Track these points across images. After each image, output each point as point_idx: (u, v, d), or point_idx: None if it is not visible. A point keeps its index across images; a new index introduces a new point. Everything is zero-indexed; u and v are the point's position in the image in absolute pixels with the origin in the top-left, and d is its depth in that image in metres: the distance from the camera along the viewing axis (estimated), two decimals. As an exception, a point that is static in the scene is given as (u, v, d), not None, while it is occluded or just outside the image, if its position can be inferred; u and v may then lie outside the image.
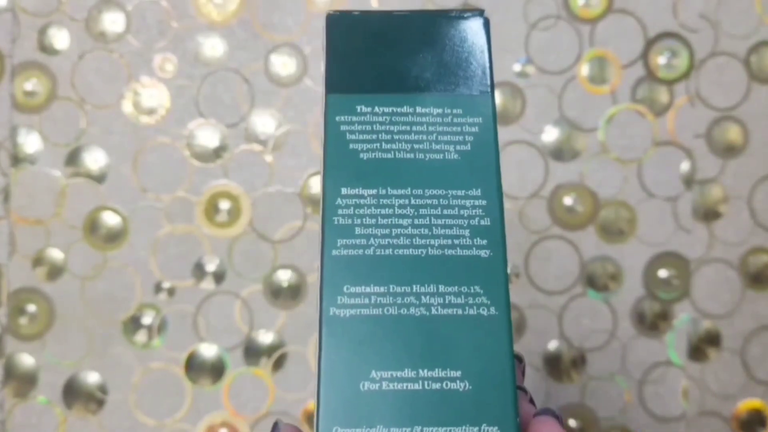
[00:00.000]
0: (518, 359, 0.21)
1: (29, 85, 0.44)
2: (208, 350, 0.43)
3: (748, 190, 0.44)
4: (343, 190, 0.20)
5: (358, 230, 0.20)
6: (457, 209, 0.21)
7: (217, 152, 0.44)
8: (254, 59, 0.44)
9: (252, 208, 0.44)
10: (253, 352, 0.43)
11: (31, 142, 0.43)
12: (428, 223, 0.20)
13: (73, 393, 0.42)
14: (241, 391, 0.43)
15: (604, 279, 0.44)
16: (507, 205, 0.44)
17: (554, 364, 0.43)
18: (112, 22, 0.44)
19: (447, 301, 0.20)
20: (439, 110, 0.22)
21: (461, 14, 0.23)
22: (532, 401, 0.20)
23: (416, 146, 0.21)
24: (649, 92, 0.45)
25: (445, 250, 0.20)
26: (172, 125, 0.44)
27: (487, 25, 0.23)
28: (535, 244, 0.44)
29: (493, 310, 0.20)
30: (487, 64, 0.23)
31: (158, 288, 0.43)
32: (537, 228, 0.44)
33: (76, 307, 0.43)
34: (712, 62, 0.45)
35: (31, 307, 0.43)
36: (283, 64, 0.44)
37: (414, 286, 0.20)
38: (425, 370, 0.19)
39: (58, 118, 0.44)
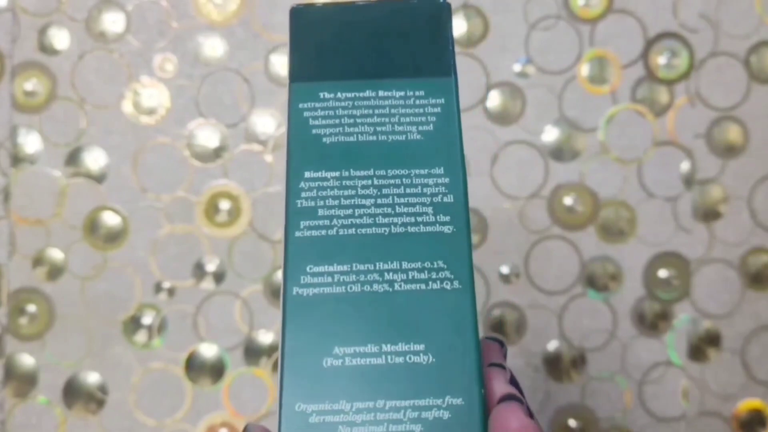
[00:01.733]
0: (499, 342, 0.21)
1: (29, 85, 0.44)
2: (208, 350, 0.43)
3: (748, 190, 0.44)
4: (306, 174, 0.21)
5: (321, 212, 0.20)
6: (420, 187, 0.21)
7: (217, 152, 0.44)
8: (254, 59, 0.44)
9: (252, 208, 0.44)
10: (253, 352, 0.43)
11: (31, 142, 0.43)
12: (391, 202, 0.21)
13: (74, 393, 0.42)
14: (241, 391, 0.43)
15: (604, 279, 0.44)
16: (507, 205, 0.44)
17: (554, 364, 0.43)
18: (112, 22, 0.44)
19: (410, 277, 0.20)
20: (401, 93, 0.22)
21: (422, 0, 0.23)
22: (513, 381, 0.20)
23: (379, 128, 0.21)
24: (649, 92, 0.45)
25: (408, 227, 0.20)
26: (172, 125, 0.44)
27: (448, 9, 0.23)
28: (535, 244, 0.44)
29: (456, 284, 0.20)
30: (449, 48, 0.23)
31: (158, 288, 0.43)
32: (537, 228, 0.44)
33: (76, 307, 0.43)
34: (712, 62, 0.45)
35: (31, 307, 0.43)
36: (283, 64, 0.44)
37: (377, 264, 0.20)
38: (388, 345, 0.19)
39: (58, 118, 0.44)
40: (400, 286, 0.20)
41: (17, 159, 0.43)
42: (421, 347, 0.19)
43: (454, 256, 0.20)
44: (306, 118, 0.21)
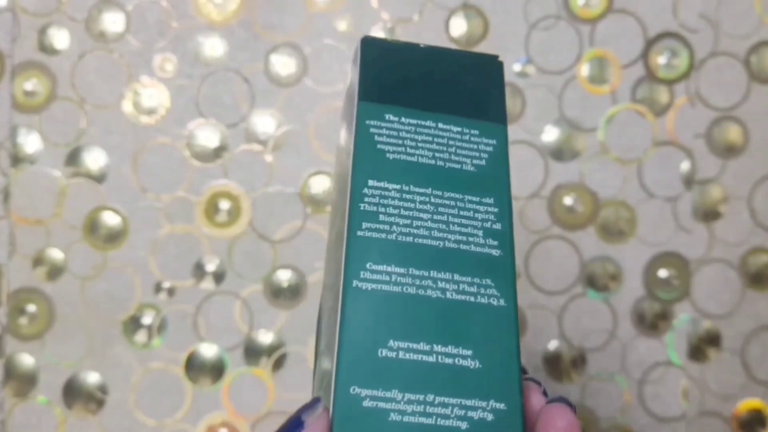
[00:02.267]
0: (536, 382, 0.22)
1: (29, 85, 0.44)
2: (208, 350, 0.43)
3: (748, 190, 0.44)
4: (370, 182, 0.22)
5: (382, 217, 0.22)
6: (472, 212, 0.23)
7: (217, 152, 0.44)
8: (254, 59, 0.44)
9: (252, 208, 0.44)
10: (253, 352, 0.43)
11: (31, 142, 0.43)
12: (446, 219, 0.22)
13: (73, 393, 0.42)
14: (241, 391, 0.43)
15: (604, 279, 0.44)
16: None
17: (554, 364, 0.43)
18: (112, 22, 0.44)
19: (461, 288, 0.21)
20: (459, 129, 0.24)
21: (480, 55, 0.26)
22: (545, 393, 0.21)
23: (437, 155, 0.23)
24: (649, 92, 0.45)
25: (461, 245, 0.22)
26: (172, 125, 0.44)
27: (502, 66, 0.26)
28: (535, 244, 0.44)
29: (502, 301, 0.22)
30: (503, 98, 0.25)
31: (158, 288, 0.43)
32: (537, 228, 0.44)
33: (76, 307, 0.43)
34: (712, 62, 0.45)
35: (31, 307, 0.43)
36: (283, 65, 0.44)
37: (431, 272, 0.21)
38: (439, 346, 0.20)
39: (58, 118, 0.44)
40: (452, 295, 0.21)
41: (17, 159, 0.43)
42: (469, 352, 0.21)
43: (500, 277, 0.22)
44: (372, 133, 0.23)
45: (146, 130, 0.44)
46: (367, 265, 0.21)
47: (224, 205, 0.43)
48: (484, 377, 0.20)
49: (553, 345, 0.43)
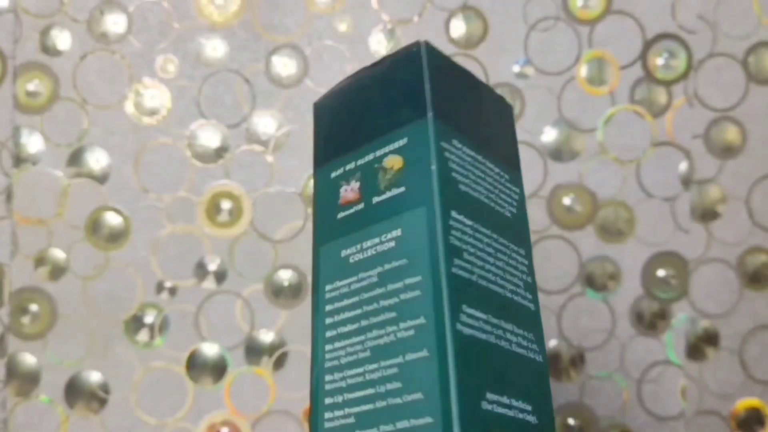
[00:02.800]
0: None
1: (31, 86, 0.44)
2: (210, 349, 0.43)
3: (746, 190, 0.44)
4: (453, 213, 0.21)
5: (465, 255, 0.20)
6: (516, 262, 0.22)
7: (219, 153, 0.44)
8: (255, 60, 0.44)
9: (253, 208, 0.44)
10: (254, 352, 0.43)
11: (33, 143, 0.44)
12: (503, 266, 0.22)
13: (75, 392, 0.42)
14: (242, 390, 0.43)
15: (602, 279, 0.44)
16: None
17: (553, 363, 0.44)
18: (114, 23, 0.44)
19: (518, 341, 0.21)
20: (498, 170, 0.23)
21: (498, 95, 0.25)
22: None
23: (490, 195, 0.22)
24: (648, 93, 0.45)
25: (514, 296, 0.22)
26: (174, 126, 0.44)
27: (512, 111, 0.25)
28: (534, 243, 0.44)
29: (540, 357, 0.22)
30: (516, 145, 0.25)
31: (160, 288, 0.43)
32: (536, 228, 0.44)
33: (78, 307, 0.43)
34: (710, 63, 0.45)
35: (34, 307, 0.43)
36: (284, 65, 0.44)
37: (501, 321, 0.21)
38: (512, 400, 0.20)
39: (60, 119, 0.44)
40: (516, 348, 0.21)
41: (19, 159, 0.44)
42: (529, 408, 0.21)
43: (537, 332, 0.22)
44: (447, 157, 0.21)
45: (148, 130, 0.44)
46: (463, 308, 0.20)
47: (225, 205, 0.44)
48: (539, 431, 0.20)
49: (552, 344, 0.44)
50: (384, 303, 0.21)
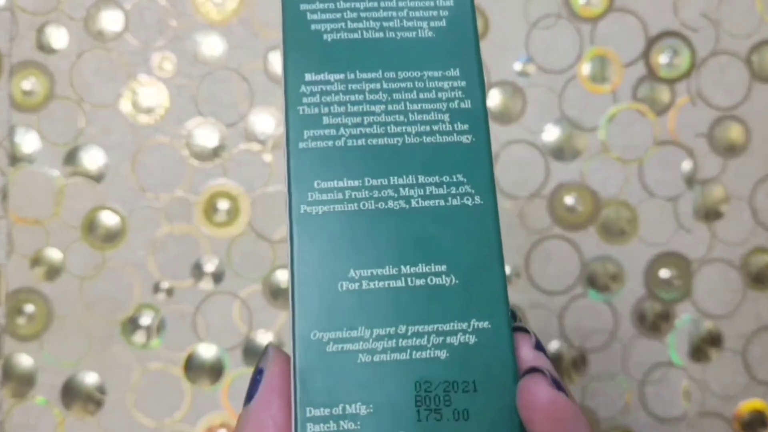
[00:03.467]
0: (525, 331, 0.19)
1: (27, 84, 0.44)
2: (207, 350, 0.43)
3: (749, 189, 0.44)
4: (307, 76, 0.19)
5: (326, 120, 0.18)
6: (434, 92, 0.19)
7: (216, 152, 0.44)
8: (253, 58, 0.44)
9: (251, 207, 0.43)
10: (252, 353, 0.43)
11: (29, 142, 0.43)
12: (403, 108, 0.19)
13: (72, 393, 0.42)
14: (241, 392, 0.42)
15: (604, 279, 0.44)
16: (507, 204, 0.44)
17: (555, 365, 0.43)
18: (111, 21, 0.44)
19: (428, 192, 0.18)
20: None
21: None
22: (539, 347, 0.19)
23: (385, 24, 0.19)
24: (650, 91, 0.44)
25: (424, 137, 0.18)
26: (171, 124, 0.44)
27: None
28: (535, 244, 0.44)
29: (477, 199, 0.18)
30: None
31: (157, 288, 0.43)
32: (537, 228, 0.44)
33: (75, 308, 0.43)
34: (713, 61, 0.45)
35: (30, 308, 0.42)
36: (283, 63, 0.44)
37: (391, 178, 0.18)
38: (408, 267, 0.18)
39: (57, 118, 0.43)
40: (417, 202, 0.18)
41: (15, 158, 0.43)
42: (443, 268, 0.18)
43: (474, 168, 0.18)
44: (303, 11, 0.19)
45: (145, 129, 0.44)
46: (315, 184, 0.18)
47: (223, 204, 0.43)
48: (462, 294, 0.18)
49: (553, 345, 0.43)
50: None
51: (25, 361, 0.42)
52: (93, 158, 0.43)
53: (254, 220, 0.43)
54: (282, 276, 0.43)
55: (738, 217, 0.44)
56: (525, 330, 0.18)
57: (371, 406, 0.17)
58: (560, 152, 0.44)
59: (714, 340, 0.43)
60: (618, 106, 0.44)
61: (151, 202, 0.43)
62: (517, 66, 0.44)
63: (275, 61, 0.44)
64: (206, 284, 0.43)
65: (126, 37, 0.44)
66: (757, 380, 0.43)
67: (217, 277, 0.43)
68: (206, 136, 0.44)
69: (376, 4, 0.19)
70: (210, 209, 0.43)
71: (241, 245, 0.43)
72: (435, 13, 0.19)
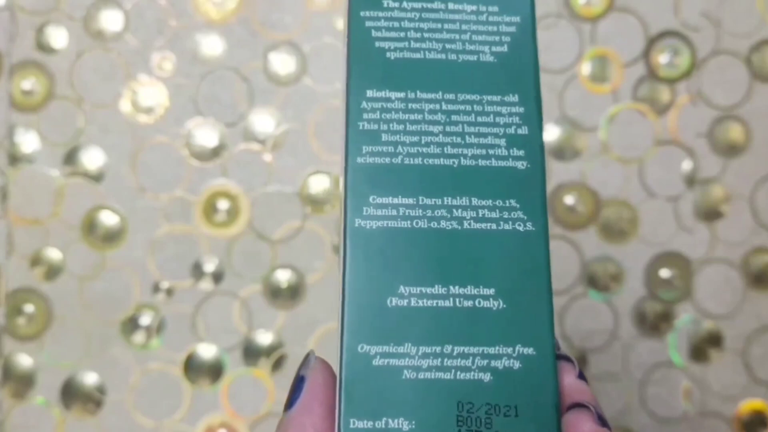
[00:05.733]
0: (569, 360, 0.19)
1: (27, 84, 0.44)
2: (207, 351, 0.43)
3: (750, 189, 0.44)
4: (369, 93, 0.19)
5: (384, 137, 0.19)
6: (492, 116, 0.19)
7: (216, 151, 0.44)
8: (253, 58, 0.44)
9: (251, 207, 0.43)
10: (252, 353, 0.43)
11: (28, 142, 0.43)
12: (461, 130, 0.19)
13: (72, 394, 0.42)
14: (240, 392, 0.42)
15: (605, 279, 0.43)
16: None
17: (555, 365, 0.43)
18: (111, 20, 0.44)
19: (480, 215, 0.18)
20: (473, 7, 0.20)
21: None
22: (582, 376, 0.19)
23: (448, 46, 0.19)
24: (651, 91, 0.44)
25: (479, 160, 0.19)
26: (171, 124, 0.44)
27: None
28: (535, 244, 0.43)
29: (530, 225, 0.18)
30: None
31: (156, 288, 0.43)
32: (537, 228, 0.44)
33: (74, 308, 0.42)
34: (713, 61, 0.45)
35: (29, 308, 0.42)
36: (282, 63, 0.44)
37: (445, 199, 0.18)
38: (456, 287, 0.18)
39: (56, 117, 0.43)
40: (470, 224, 0.18)
41: (15, 158, 0.43)
42: (491, 291, 0.18)
43: (527, 195, 0.18)
44: (368, 28, 0.19)
45: (144, 129, 0.44)
46: (371, 199, 0.18)
47: (223, 204, 0.43)
48: (508, 319, 0.18)
49: (553, 345, 0.43)
50: None
51: (24, 361, 0.42)
52: (92, 158, 0.43)
53: (254, 220, 0.43)
54: (282, 276, 0.43)
55: (738, 217, 0.44)
56: (569, 359, 0.19)
57: (413, 422, 0.17)
58: (560, 152, 0.44)
59: (714, 340, 0.43)
60: (618, 106, 0.44)
61: (150, 202, 0.43)
62: (517, 66, 0.44)
63: (275, 61, 0.44)
64: (206, 284, 0.43)
65: (126, 36, 0.44)
66: (757, 380, 0.43)
67: (217, 277, 0.43)
68: (206, 136, 0.44)
69: (440, 26, 0.20)
70: (210, 209, 0.43)
71: (241, 245, 0.43)
72: (497, 38, 0.20)
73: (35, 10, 0.44)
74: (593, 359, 0.43)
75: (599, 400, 0.43)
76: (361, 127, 0.19)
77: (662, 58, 0.44)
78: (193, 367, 0.42)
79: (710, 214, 0.44)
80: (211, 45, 0.44)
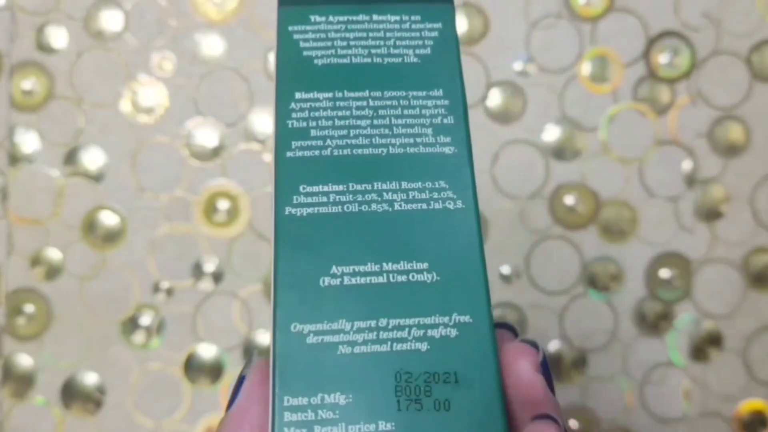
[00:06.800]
0: (512, 330, 0.19)
1: (27, 84, 0.43)
2: (207, 351, 0.43)
3: (750, 189, 0.44)
4: (297, 95, 0.20)
5: (313, 132, 0.20)
6: (418, 109, 0.20)
7: (216, 151, 0.44)
8: (253, 58, 0.44)
9: (251, 207, 0.43)
10: (252, 353, 0.43)
11: (29, 142, 0.43)
12: (388, 123, 0.20)
13: (72, 393, 0.42)
14: (240, 392, 0.42)
15: (605, 279, 0.43)
16: (507, 204, 0.44)
17: (555, 365, 0.43)
18: (111, 20, 0.44)
19: (411, 197, 0.19)
20: (397, 17, 0.21)
21: None
22: (546, 367, 0.18)
23: (373, 51, 0.21)
24: (651, 91, 0.44)
25: (407, 148, 0.20)
26: (171, 124, 0.44)
27: None
28: (535, 244, 0.44)
29: (459, 203, 0.19)
30: None
31: (156, 288, 0.43)
32: (538, 228, 0.44)
33: (75, 308, 0.42)
34: (713, 61, 0.45)
35: (29, 308, 0.42)
36: (283, 63, 0.44)
37: (375, 184, 0.19)
38: (389, 264, 0.18)
39: (56, 117, 0.43)
40: (400, 206, 0.19)
41: (15, 158, 0.43)
42: (425, 265, 0.18)
43: (456, 176, 0.19)
44: (296, 40, 0.21)
45: (144, 129, 0.44)
46: (301, 188, 0.19)
47: (223, 204, 0.43)
48: (443, 290, 0.18)
49: (553, 345, 0.43)
50: None
51: (24, 361, 0.42)
52: (93, 158, 0.43)
53: (254, 220, 0.43)
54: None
55: (738, 217, 0.44)
56: (533, 344, 0.18)
57: (351, 395, 0.17)
58: (560, 152, 0.44)
59: (714, 340, 0.43)
60: (618, 106, 0.44)
61: (150, 202, 0.43)
62: (518, 66, 0.44)
63: (275, 61, 0.44)
64: (206, 284, 0.43)
65: (126, 37, 0.44)
66: (757, 380, 0.43)
67: (217, 277, 0.43)
68: (206, 136, 0.44)
69: (365, 35, 0.21)
70: (210, 209, 0.43)
71: (241, 245, 0.43)
72: (420, 42, 0.21)
73: (35, 10, 0.44)
74: (593, 359, 0.43)
75: (599, 400, 0.43)
76: (290, 125, 0.20)
77: (662, 58, 0.44)
78: (193, 367, 0.42)
79: (710, 214, 0.44)
80: (211, 45, 0.44)
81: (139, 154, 0.43)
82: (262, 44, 0.44)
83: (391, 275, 0.18)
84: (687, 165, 0.44)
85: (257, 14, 0.44)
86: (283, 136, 0.20)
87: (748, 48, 0.45)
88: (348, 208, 0.19)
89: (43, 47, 0.44)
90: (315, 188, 0.19)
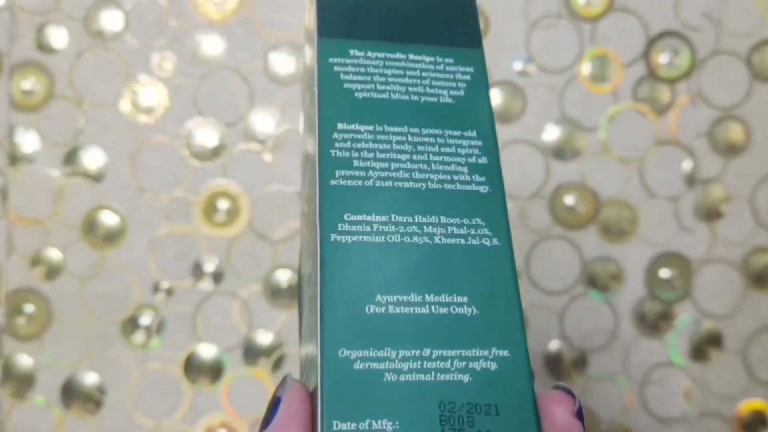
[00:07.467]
0: (568, 392, 0.20)
1: (27, 84, 0.43)
2: (207, 351, 0.43)
3: (750, 189, 0.44)
4: (339, 125, 0.21)
5: (356, 162, 0.20)
6: (454, 148, 0.21)
7: (216, 151, 0.44)
8: (253, 58, 0.44)
9: (251, 207, 0.43)
10: (252, 353, 0.43)
11: (28, 142, 0.43)
12: (426, 159, 0.21)
13: (72, 393, 0.42)
14: (240, 392, 0.42)
15: (605, 279, 0.43)
16: (508, 204, 0.43)
17: (555, 365, 0.43)
18: (111, 20, 0.44)
19: (449, 231, 0.20)
20: (431, 58, 0.22)
21: None
22: (581, 415, 0.19)
23: (410, 89, 0.22)
24: (651, 91, 0.44)
25: (445, 184, 0.20)
26: (171, 124, 0.44)
27: None
28: (536, 244, 0.44)
29: (495, 241, 0.20)
30: (477, 21, 0.23)
31: (156, 288, 0.43)
32: (538, 228, 0.44)
33: (75, 308, 0.42)
34: (713, 61, 0.45)
35: (29, 308, 0.42)
36: (283, 63, 0.44)
37: (416, 216, 0.20)
38: (431, 295, 0.19)
39: (56, 118, 0.43)
40: (440, 239, 0.19)
41: (15, 158, 0.43)
42: (465, 299, 0.19)
43: (491, 215, 0.20)
44: (337, 72, 0.21)
45: (144, 129, 0.44)
46: (345, 216, 0.19)
47: (223, 204, 0.43)
48: (483, 324, 0.19)
49: (553, 345, 0.43)
50: (308, 231, 0.22)
51: (24, 361, 0.42)
52: (93, 158, 0.43)
53: (254, 220, 0.43)
54: (282, 276, 0.43)
55: (738, 217, 0.44)
56: (570, 393, 0.19)
57: (397, 423, 0.17)
58: (560, 152, 0.44)
59: (714, 340, 0.43)
60: (618, 106, 0.44)
61: (150, 202, 0.43)
62: (518, 66, 0.44)
63: (275, 61, 0.44)
64: (206, 284, 0.43)
65: (126, 37, 0.44)
66: (757, 380, 0.43)
67: (217, 277, 0.43)
68: (206, 135, 0.44)
69: (402, 72, 0.22)
70: (210, 209, 0.43)
71: (241, 245, 0.43)
72: (454, 84, 0.22)
73: (35, 10, 0.44)
74: (593, 359, 0.43)
75: (599, 400, 0.43)
76: (333, 155, 0.20)
77: (662, 58, 0.44)
78: (193, 367, 0.42)
79: (710, 214, 0.44)
80: (211, 45, 0.44)
81: (139, 154, 0.43)
82: (262, 44, 0.44)
83: (433, 306, 0.19)
84: (687, 165, 0.44)
85: (257, 14, 0.44)
86: (327, 164, 0.20)
87: (748, 48, 0.44)
88: (390, 238, 0.19)
89: (43, 47, 0.44)
90: (359, 217, 0.19)
